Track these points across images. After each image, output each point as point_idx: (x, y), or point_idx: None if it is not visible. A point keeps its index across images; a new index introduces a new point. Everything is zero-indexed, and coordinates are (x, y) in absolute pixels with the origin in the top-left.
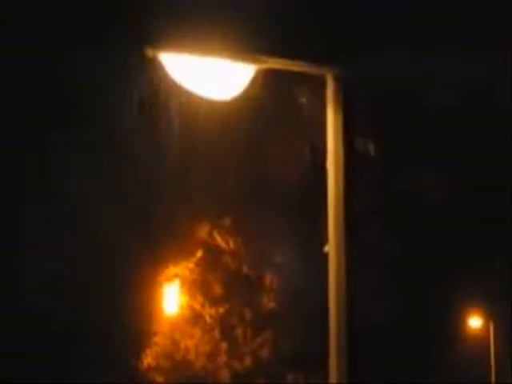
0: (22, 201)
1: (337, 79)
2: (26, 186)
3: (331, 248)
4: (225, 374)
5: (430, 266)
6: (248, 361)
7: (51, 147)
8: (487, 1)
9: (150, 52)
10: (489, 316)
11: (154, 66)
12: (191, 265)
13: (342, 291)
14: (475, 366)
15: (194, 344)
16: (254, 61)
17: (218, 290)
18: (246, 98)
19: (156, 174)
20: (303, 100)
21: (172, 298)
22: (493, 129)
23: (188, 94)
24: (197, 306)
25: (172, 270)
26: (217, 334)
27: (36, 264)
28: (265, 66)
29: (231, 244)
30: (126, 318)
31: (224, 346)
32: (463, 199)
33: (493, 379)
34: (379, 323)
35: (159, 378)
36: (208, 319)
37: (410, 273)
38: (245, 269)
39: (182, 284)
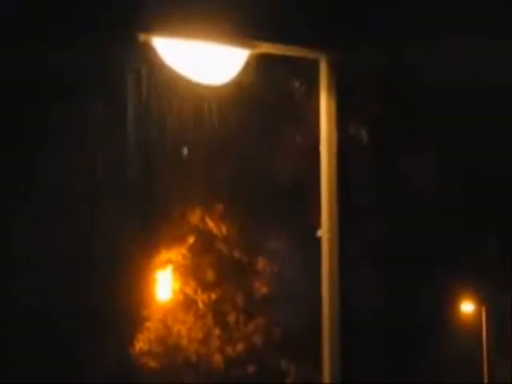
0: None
1: (330, 63)
2: (12, 177)
3: (324, 232)
4: (218, 359)
5: (422, 252)
6: (240, 347)
7: (41, 135)
8: None
9: (142, 37)
10: (481, 301)
11: (146, 50)
12: (184, 250)
13: (334, 275)
14: (468, 350)
15: (186, 329)
16: (246, 45)
17: (210, 275)
18: (239, 82)
19: (147, 160)
20: (296, 85)
21: (164, 284)
22: (491, 117)
23: (180, 79)
24: (189, 292)
25: (165, 255)
26: (209, 319)
27: (23, 248)
28: (258, 50)
29: (223, 229)
30: (119, 303)
31: (216, 331)
32: (455, 185)
33: (485, 363)
34: (371, 308)
35: (152, 363)
36: (200, 305)
37: (402, 258)
38: (237, 254)
39: (175, 269)
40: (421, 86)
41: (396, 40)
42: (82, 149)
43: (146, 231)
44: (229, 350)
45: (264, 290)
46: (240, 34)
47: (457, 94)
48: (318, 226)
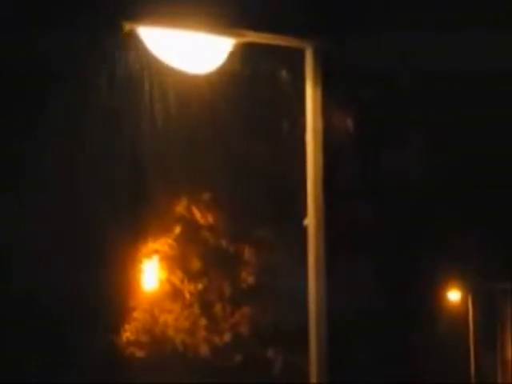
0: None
1: (316, 53)
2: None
3: (310, 221)
4: (205, 349)
5: (408, 241)
6: (227, 336)
7: (29, 125)
8: None
9: (127, 26)
10: (467, 289)
11: (131, 40)
12: (170, 240)
13: (320, 264)
14: (456, 338)
15: (173, 319)
16: (232, 34)
17: (197, 265)
18: (225, 72)
19: (134, 149)
20: (282, 74)
21: (151, 274)
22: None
23: (165, 68)
24: (176, 282)
25: (151, 245)
26: (196, 309)
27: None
28: (243, 39)
29: (210, 219)
30: (105, 293)
31: (203, 321)
32: (441, 174)
33: (471, 351)
34: (358, 296)
35: (139, 353)
36: (187, 295)
37: (389, 247)
38: (224, 243)
39: (161, 259)
40: (409, 73)
41: (384, 29)
42: (70, 141)
43: (132, 221)
44: (215, 339)
45: (250, 279)
46: (225, 23)
47: (446, 81)
48: (304, 215)
